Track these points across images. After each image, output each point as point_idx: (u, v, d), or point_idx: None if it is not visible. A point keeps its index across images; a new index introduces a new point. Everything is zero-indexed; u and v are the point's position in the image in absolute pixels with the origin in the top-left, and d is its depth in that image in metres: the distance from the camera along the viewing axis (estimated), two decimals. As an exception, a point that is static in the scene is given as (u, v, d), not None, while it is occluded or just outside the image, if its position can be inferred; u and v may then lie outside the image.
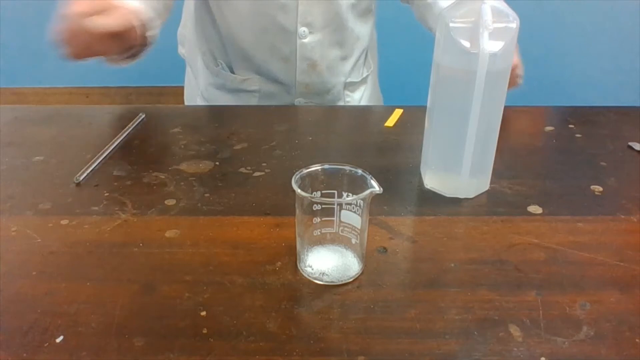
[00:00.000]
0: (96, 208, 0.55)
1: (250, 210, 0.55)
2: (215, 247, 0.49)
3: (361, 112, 0.83)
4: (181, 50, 1.07)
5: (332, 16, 0.87)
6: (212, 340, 0.39)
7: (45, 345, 0.38)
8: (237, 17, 0.85)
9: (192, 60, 1.01)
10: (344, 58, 0.94)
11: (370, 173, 0.44)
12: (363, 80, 1.00)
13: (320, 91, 0.93)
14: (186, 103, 1.08)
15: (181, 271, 0.46)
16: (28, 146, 0.70)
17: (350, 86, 0.97)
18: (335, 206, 0.44)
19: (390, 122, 0.77)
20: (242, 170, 0.63)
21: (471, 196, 0.57)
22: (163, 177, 0.61)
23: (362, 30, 0.94)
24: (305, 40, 0.87)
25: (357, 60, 0.97)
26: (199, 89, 0.99)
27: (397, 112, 0.79)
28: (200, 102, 1.00)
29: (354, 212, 0.44)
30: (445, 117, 0.55)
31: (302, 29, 0.86)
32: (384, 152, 0.69)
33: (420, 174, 0.61)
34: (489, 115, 0.53)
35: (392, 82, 1.06)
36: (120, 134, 0.71)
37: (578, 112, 0.80)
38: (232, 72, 0.93)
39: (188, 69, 1.07)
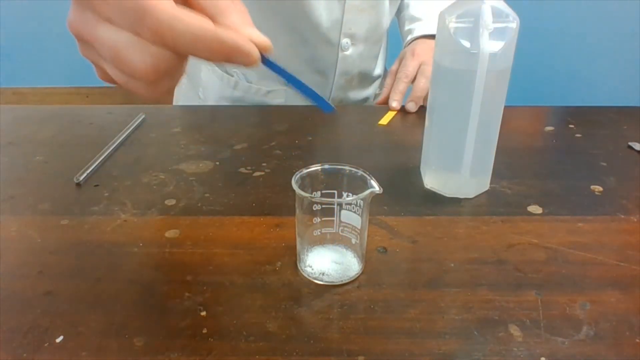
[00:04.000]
0: (96, 208, 0.55)
1: (250, 210, 0.55)
2: (215, 247, 0.49)
3: (361, 111, 0.83)
4: None
5: (374, 26, 0.85)
6: (212, 340, 0.39)
7: (45, 345, 0.38)
8: (271, 25, 0.79)
9: (194, 71, 0.94)
10: (376, 71, 0.93)
11: (370, 173, 0.44)
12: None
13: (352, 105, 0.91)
14: None
15: (181, 271, 0.46)
16: (28, 146, 0.70)
17: (377, 98, 0.97)
18: (335, 206, 0.44)
19: (385, 120, 0.76)
20: (242, 170, 0.63)
21: (471, 196, 0.57)
22: (163, 177, 0.61)
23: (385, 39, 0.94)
24: (347, 53, 0.84)
25: (383, 71, 0.97)
26: (206, 103, 0.93)
27: (392, 112, 0.79)
28: None
29: (354, 212, 0.44)
30: (445, 117, 0.55)
31: (345, 40, 0.82)
32: (384, 152, 0.69)
33: (420, 174, 0.61)
34: (489, 115, 0.53)
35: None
36: (120, 134, 0.71)
37: (578, 112, 0.80)
38: (248, 82, 0.86)
39: (183, 82, 0.98)
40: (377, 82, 0.97)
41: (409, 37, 0.87)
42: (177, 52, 0.31)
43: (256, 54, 0.32)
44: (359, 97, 0.93)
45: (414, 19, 0.89)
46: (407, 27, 0.90)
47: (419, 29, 0.85)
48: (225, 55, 0.31)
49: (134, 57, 0.30)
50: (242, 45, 0.31)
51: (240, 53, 0.31)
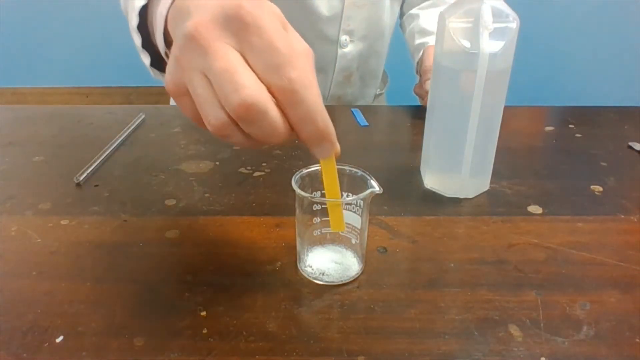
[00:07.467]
0: (96, 208, 0.55)
1: (250, 210, 0.55)
2: (215, 247, 0.49)
3: (362, 112, 0.83)
4: None
5: (374, 23, 0.84)
6: (212, 340, 0.39)
7: (45, 345, 0.38)
8: None
9: None
10: (377, 69, 0.93)
11: (370, 173, 0.44)
12: (383, 92, 1.00)
13: (351, 104, 0.90)
14: None
15: (181, 271, 0.46)
16: (28, 146, 0.70)
17: (377, 98, 0.96)
18: (335, 206, 0.44)
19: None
20: (242, 170, 0.63)
21: (471, 196, 0.57)
22: (163, 177, 0.61)
23: (389, 38, 0.94)
24: (346, 50, 0.83)
25: (383, 71, 0.97)
26: None
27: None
28: None
29: (354, 212, 0.44)
30: (445, 117, 0.55)
31: (344, 37, 0.82)
32: (384, 152, 0.69)
33: (420, 174, 0.61)
34: (489, 115, 0.53)
35: (392, 82, 1.06)
36: (120, 134, 0.71)
37: (578, 112, 0.80)
38: None
39: None
40: (379, 81, 0.97)
41: (424, 49, 0.83)
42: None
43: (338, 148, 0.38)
44: (359, 95, 0.93)
45: (426, 32, 0.85)
46: (418, 41, 0.86)
47: (432, 42, 0.84)
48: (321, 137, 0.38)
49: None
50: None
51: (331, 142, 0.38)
